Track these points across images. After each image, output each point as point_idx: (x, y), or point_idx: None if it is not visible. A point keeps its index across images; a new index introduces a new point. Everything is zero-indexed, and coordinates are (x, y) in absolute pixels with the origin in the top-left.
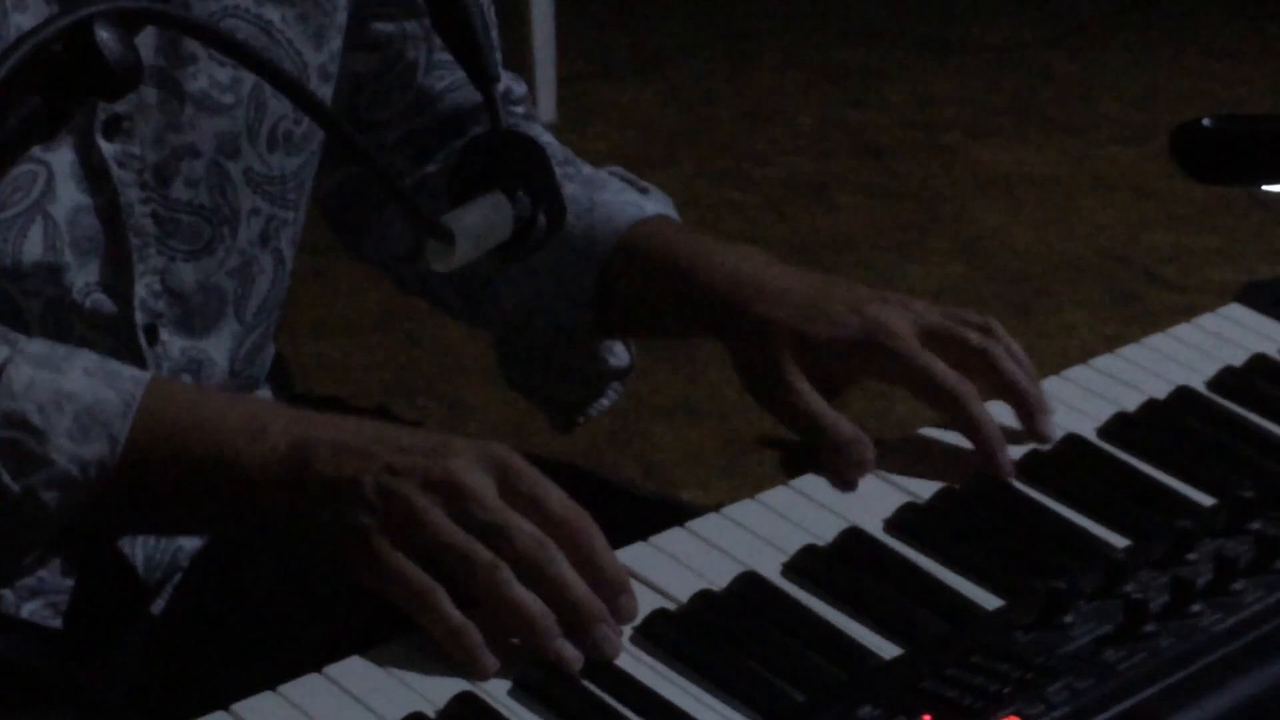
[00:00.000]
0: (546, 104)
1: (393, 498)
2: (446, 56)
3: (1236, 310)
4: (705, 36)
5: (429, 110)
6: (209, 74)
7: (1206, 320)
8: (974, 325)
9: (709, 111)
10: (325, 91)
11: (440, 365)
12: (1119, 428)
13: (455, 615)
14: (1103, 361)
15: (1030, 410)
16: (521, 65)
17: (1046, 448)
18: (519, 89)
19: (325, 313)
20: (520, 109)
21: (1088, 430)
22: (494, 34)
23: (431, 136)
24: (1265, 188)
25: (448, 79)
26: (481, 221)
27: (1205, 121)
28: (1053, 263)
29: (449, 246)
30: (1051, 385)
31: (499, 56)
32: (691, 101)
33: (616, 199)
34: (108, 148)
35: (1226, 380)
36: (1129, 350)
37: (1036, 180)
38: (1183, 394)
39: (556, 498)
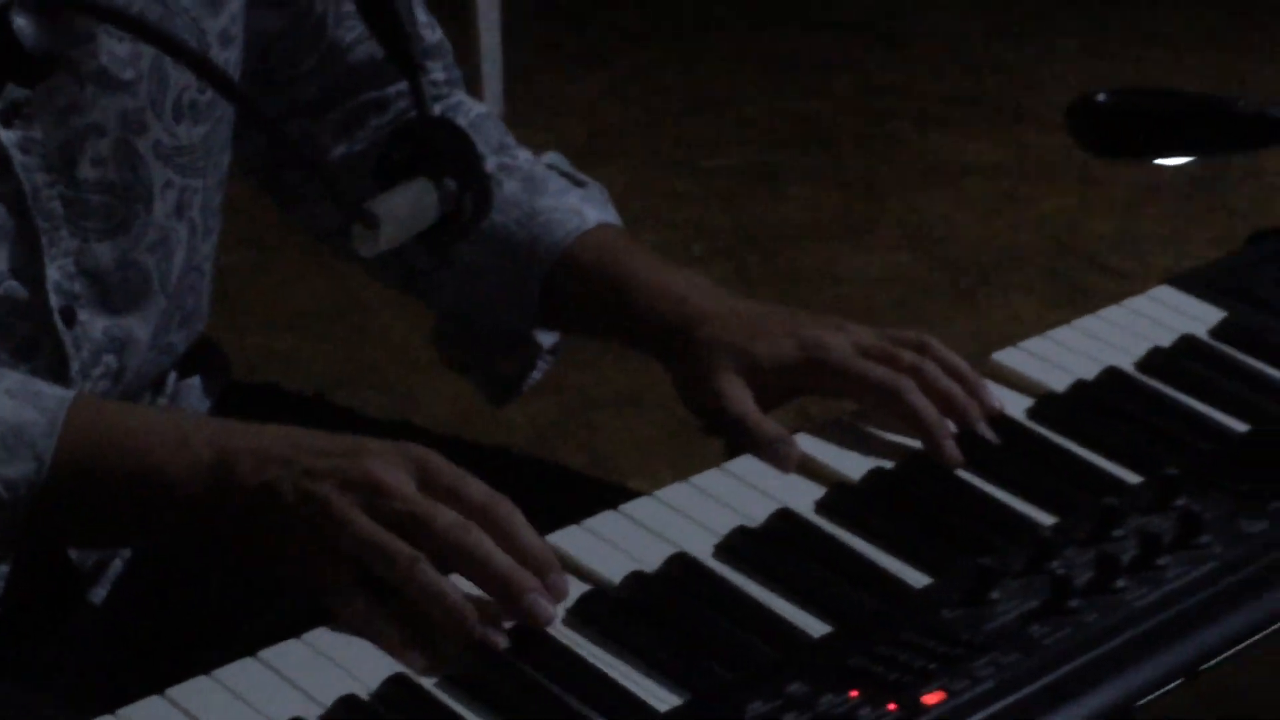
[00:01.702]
0: (493, 97)
1: (311, 500)
2: (353, 6)
3: (1165, 292)
4: (652, 27)
5: (340, 63)
6: (108, 50)
7: (1135, 302)
8: (908, 344)
9: (657, 103)
10: (228, 56)
11: (386, 357)
12: (1048, 408)
13: (379, 619)
14: (1033, 343)
15: (969, 423)
16: (468, 58)
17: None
18: (433, 36)
19: (270, 305)
20: (440, 68)
21: (1017, 411)
22: (419, 12)
23: (349, 99)
24: (1157, 161)
25: (357, 29)
26: (407, 207)
27: (1100, 96)
28: (999, 251)
29: (374, 231)
30: (981, 368)
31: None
32: (639, 93)
33: (559, 204)
34: (7, 135)
35: (1154, 361)
36: (1058, 332)
37: (983, 169)
38: (1111, 374)
39: (475, 487)
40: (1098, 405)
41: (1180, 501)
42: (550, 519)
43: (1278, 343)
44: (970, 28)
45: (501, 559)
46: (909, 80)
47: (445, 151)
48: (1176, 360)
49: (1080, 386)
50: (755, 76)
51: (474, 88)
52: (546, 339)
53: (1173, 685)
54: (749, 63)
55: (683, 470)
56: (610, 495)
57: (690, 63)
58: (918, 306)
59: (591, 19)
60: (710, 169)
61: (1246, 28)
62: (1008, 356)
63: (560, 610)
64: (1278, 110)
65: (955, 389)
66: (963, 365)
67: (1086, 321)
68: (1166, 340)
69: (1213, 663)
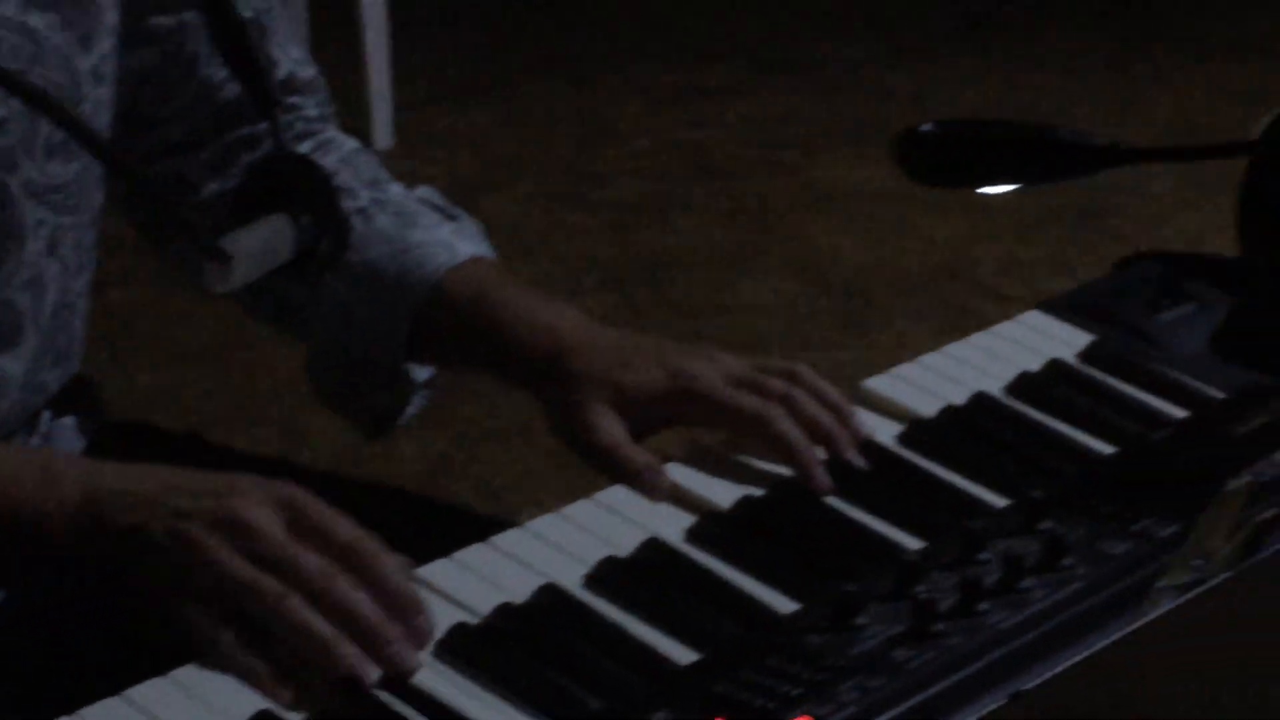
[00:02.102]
0: (383, 130)
1: (179, 540)
2: None
3: (1035, 317)
4: (543, 59)
5: (212, 101)
6: None
7: (1006, 328)
8: (777, 372)
9: (547, 134)
10: (101, 94)
11: (276, 393)
12: (917, 433)
13: (246, 657)
14: (904, 369)
15: (839, 450)
16: (358, 91)
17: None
18: (306, 72)
19: (160, 343)
20: (313, 104)
21: (887, 437)
22: (293, 48)
23: (220, 136)
24: (980, 190)
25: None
26: (260, 244)
27: (925, 127)
28: (887, 278)
29: (225, 267)
30: (853, 395)
31: (311, 73)
32: (530, 124)
33: (430, 238)
34: None
35: (1023, 385)
36: (929, 358)
37: (872, 196)
38: (980, 399)
39: (343, 528)
40: (966, 430)
41: (1045, 524)
42: (438, 555)
43: (1144, 366)
44: (861, 56)
45: (365, 609)
46: (800, 109)
47: (301, 188)
48: (1045, 384)
49: (949, 411)
50: (645, 106)
51: (363, 120)
52: (421, 373)
53: (995, 705)
54: (639, 93)
55: (572, 501)
56: (498, 529)
57: (580, 93)
58: (807, 335)
59: (482, 51)
60: (600, 200)
61: (1137, 55)
62: (879, 383)
63: (428, 645)
64: (1097, 139)
65: (824, 416)
66: (832, 393)
67: (957, 347)
68: (1036, 364)
69: (1033, 684)
